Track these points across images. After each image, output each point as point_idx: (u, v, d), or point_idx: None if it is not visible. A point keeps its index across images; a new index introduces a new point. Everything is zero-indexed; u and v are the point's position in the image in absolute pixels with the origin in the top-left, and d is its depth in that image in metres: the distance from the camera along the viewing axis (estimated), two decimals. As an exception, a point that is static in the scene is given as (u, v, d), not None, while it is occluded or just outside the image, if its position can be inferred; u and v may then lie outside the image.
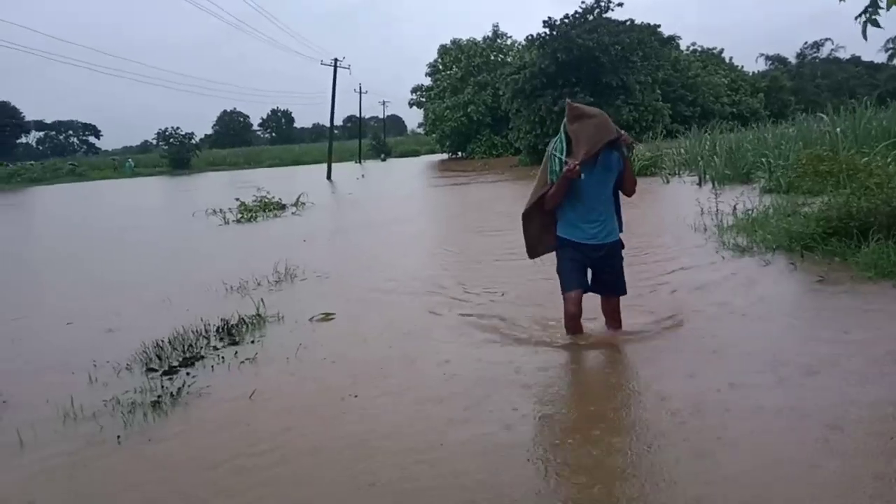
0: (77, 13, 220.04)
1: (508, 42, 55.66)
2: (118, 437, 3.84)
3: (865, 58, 68.79)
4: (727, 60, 57.26)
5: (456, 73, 54.17)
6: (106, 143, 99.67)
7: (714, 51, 57.58)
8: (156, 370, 4.93)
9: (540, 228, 4.73)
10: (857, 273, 5.94)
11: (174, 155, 62.04)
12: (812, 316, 5.25)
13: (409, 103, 61.21)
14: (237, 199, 17.01)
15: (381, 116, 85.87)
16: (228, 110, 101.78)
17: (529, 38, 40.38)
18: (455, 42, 56.13)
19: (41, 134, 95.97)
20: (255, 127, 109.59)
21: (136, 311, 7.07)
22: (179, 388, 4.48)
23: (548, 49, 37.09)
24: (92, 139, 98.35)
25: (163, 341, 5.43)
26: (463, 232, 12.10)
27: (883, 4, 3.46)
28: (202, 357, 5.16)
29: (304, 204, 18.18)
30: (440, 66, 56.99)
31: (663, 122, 38.11)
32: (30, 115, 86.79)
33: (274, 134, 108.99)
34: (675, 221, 10.08)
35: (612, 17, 38.39)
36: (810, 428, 3.29)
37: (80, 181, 52.85)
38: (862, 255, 6.14)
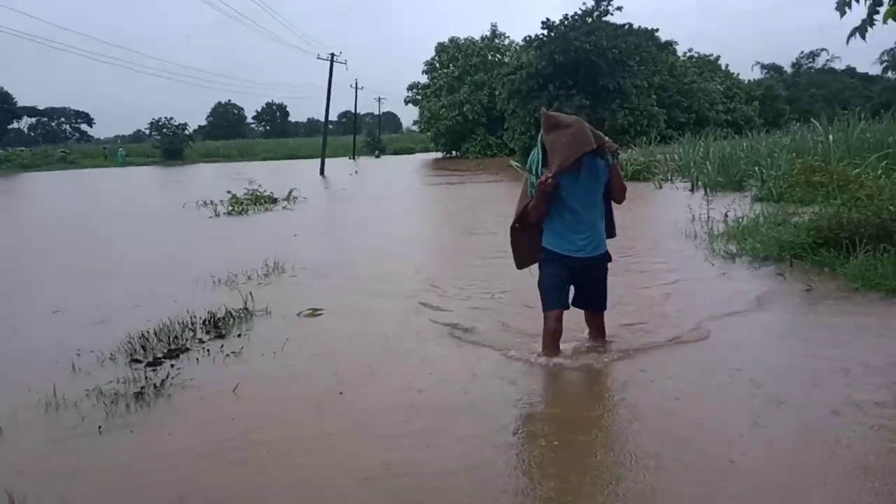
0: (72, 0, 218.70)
1: (506, 42, 55.72)
2: (99, 427, 3.81)
3: (860, 69, 69.35)
4: (723, 67, 57.47)
5: (453, 71, 54.14)
6: (98, 131, 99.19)
7: (710, 57, 57.78)
8: (140, 361, 4.89)
9: (527, 241, 4.59)
10: (845, 283, 5.97)
11: (167, 145, 61.73)
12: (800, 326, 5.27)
13: (405, 100, 61.26)
14: (228, 192, 16.94)
15: (376, 113, 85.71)
16: (223, 102, 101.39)
17: (527, 38, 40.50)
18: (453, 40, 56.11)
19: (33, 120, 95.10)
20: (250, 120, 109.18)
21: (123, 302, 7.01)
22: (163, 380, 4.44)
23: (545, 50, 37.20)
24: (84, 127, 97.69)
25: (148, 332, 5.39)
26: (455, 231, 12.10)
27: (878, 19, 3.45)
28: (187, 349, 5.12)
29: (295, 198, 18.13)
30: (437, 65, 56.97)
31: (658, 128, 38.29)
32: (22, 101, 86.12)
33: (268, 127, 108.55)
34: (666, 227, 10.11)
35: (611, 21, 38.52)
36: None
37: (71, 169, 52.51)
38: (850, 266, 6.17)
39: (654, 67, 41.13)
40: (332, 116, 61.25)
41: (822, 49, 69.17)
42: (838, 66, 69.22)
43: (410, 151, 74.15)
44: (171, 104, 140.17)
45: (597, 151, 4.17)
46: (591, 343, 4.73)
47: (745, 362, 4.34)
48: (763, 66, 70.22)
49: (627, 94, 37.71)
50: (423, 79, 58.20)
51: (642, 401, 3.86)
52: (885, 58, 57.03)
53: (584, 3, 37.99)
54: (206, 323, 5.73)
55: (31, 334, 6.04)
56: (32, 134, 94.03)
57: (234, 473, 3.25)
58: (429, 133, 56.49)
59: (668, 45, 50.23)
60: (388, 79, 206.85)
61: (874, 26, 3.49)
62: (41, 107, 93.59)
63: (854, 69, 70.09)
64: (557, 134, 4.14)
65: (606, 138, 4.24)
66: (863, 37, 3.56)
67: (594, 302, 4.63)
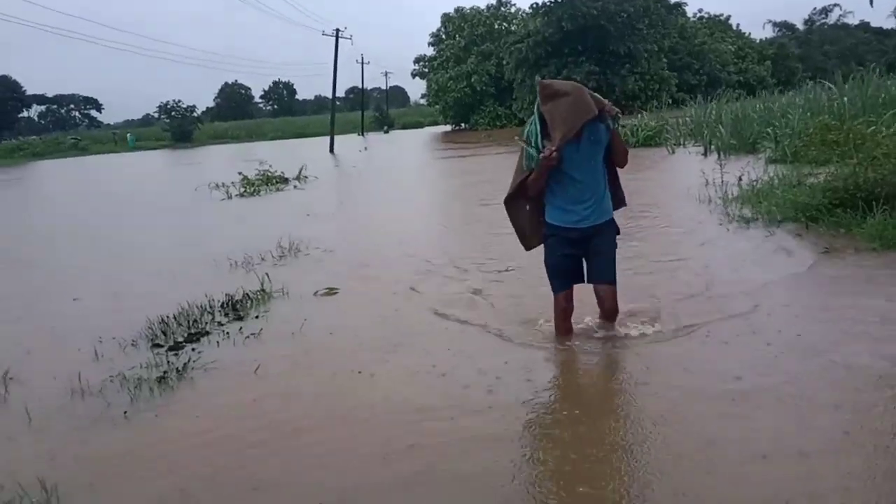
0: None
1: (512, 10, 54.96)
2: (125, 412, 3.87)
3: (874, 24, 67.85)
4: (734, 27, 56.50)
5: (459, 42, 53.54)
6: (107, 116, 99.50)
7: (721, 17, 56.78)
8: (161, 346, 4.95)
9: (529, 217, 4.41)
10: (863, 244, 5.92)
11: (176, 128, 61.87)
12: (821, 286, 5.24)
13: (412, 74, 60.77)
14: (240, 174, 16.96)
15: (383, 87, 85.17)
16: (230, 82, 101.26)
17: (534, 6, 39.98)
18: (458, 11, 55.45)
19: (42, 108, 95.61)
20: (257, 99, 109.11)
21: (141, 287, 7.09)
22: (185, 364, 4.50)
23: (552, 17, 36.72)
24: (94, 113, 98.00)
25: (168, 317, 5.45)
26: (469, 205, 12.04)
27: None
28: (207, 332, 5.18)
29: (306, 178, 18.12)
30: (443, 36, 56.37)
31: (669, 91, 37.85)
32: (31, 89, 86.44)
33: (276, 106, 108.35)
34: (680, 192, 10.02)
35: (618, -16, 37.85)
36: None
37: (82, 155, 52.77)
38: (867, 226, 6.11)
39: (664, 30, 40.54)
40: (340, 93, 60.81)
41: (835, 4, 67.83)
42: (851, 20, 67.95)
43: (419, 125, 73.76)
44: (179, 86, 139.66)
45: (598, 116, 3.97)
46: (602, 321, 4.51)
47: (769, 342, 4.33)
48: (775, 24, 69.14)
49: (637, 58, 37.22)
50: (430, 51, 57.74)
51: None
52: (901, 10, 55.72)
53: (590, -33, 37.34)
54: (225, 306, 5.78)
55: (54, 322, 6.13)
56: (42, 122, 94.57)
57: (259, 453, 3.30)
58: (437, 106, 56.14)
59: (678, 7, 49.38)
60: (395, 53, 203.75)
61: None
62: (50, 94, 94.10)
63: (868, 23, 68.70)
64: (555, 104, 3.93)
65: (607, 102, 4.05)
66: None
67: (601, 271, 4.32)
